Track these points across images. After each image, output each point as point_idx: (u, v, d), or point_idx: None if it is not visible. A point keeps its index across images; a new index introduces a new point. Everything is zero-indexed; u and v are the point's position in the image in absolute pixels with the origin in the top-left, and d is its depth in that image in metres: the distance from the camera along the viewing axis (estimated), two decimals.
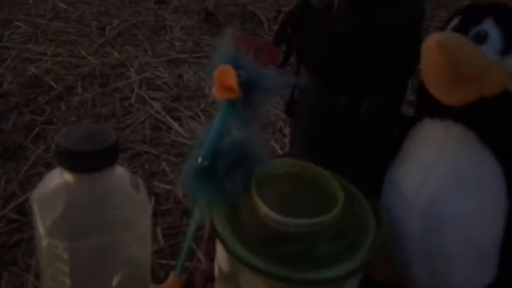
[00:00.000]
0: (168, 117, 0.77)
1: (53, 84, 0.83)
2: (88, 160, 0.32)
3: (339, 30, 0.45)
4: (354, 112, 0.47)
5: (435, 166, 0.41)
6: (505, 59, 0.38)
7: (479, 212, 0.40)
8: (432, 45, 0.37)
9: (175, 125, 0.76)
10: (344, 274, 0.35)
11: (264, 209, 0.37)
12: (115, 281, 0.36)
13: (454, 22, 0.42)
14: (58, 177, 0.34)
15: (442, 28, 0.43)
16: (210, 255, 0.54)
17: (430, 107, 0.42)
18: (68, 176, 0.33)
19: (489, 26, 0.39)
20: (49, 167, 0.64)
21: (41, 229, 0.33)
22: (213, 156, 0.38)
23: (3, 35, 0.99)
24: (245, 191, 0.39)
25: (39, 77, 0.85)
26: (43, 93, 0.81)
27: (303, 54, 0.49)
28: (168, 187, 0.63)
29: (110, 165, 0.33)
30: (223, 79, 0.36)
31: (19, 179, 0.62)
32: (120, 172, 0.36)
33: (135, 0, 1.23)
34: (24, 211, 0.57)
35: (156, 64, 0.93)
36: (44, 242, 0.33)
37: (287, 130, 0.75)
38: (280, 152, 0.71)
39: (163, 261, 0.53)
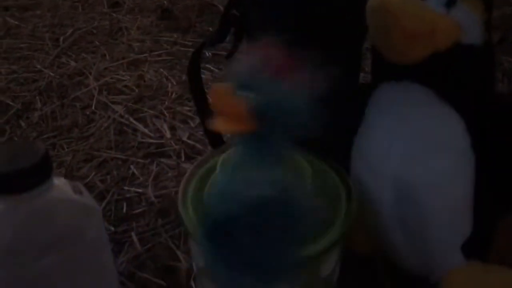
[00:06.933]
0: (132, 119, 0.75)
1: (11, 103, 0.81)
2: (22, 178, 0.31)
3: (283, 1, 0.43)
4: None
5: (398, 131, 0.40)
6: (451, 11, 0.37)
7: (449, 171, 0.39)
8: (376, 5, 0.35)
9: (140, 126, 0.74)
10: (319, 252, 0.34)
11: None
12: None
13: None
14: None
15: None
16: (189, 253, 0.53)
17: (385, 71, 0.41)
18: (4, 201, 0.32)
19: None
20: None
21: None
22: (225, 219, 0.28)
23: None
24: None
25: None
26: (1, 113, 0.78)
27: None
28: (140, 190, 0.62)
29: (47, 178, 0.32)
30: (227, 104, 0.26)
31: None
32: (59, 181, 0.34)
33: (88, 7, 1.20)
34: None
35: (115, 68, 0.91)
36: None
37: None
38: None
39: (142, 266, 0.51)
